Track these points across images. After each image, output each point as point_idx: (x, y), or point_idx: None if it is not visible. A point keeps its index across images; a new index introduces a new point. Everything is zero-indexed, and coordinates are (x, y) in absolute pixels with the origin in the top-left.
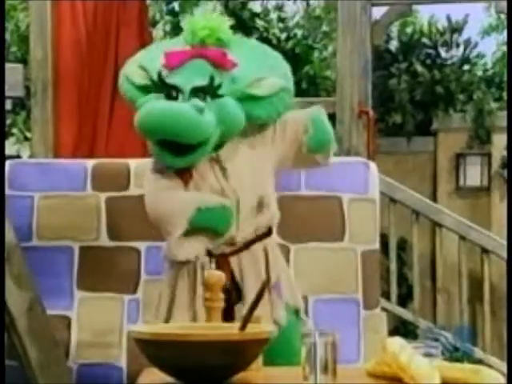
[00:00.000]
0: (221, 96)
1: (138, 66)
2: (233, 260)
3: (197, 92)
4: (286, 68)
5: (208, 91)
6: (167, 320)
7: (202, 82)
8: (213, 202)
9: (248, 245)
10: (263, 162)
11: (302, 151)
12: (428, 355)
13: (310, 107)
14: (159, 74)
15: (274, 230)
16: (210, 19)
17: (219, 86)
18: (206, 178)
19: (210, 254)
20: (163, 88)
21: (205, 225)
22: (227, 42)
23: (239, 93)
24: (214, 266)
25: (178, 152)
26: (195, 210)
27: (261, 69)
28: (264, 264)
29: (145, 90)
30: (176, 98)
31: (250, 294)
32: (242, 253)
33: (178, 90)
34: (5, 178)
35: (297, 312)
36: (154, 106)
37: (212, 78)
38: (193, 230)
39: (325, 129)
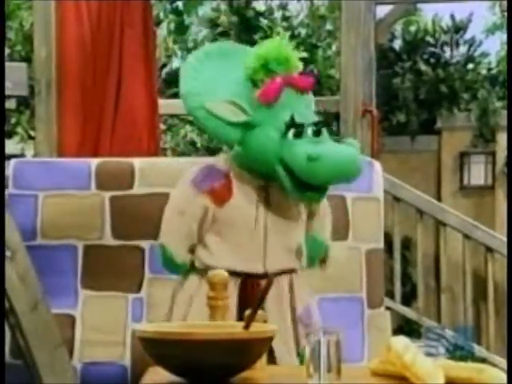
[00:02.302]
0: (329, 125)
1: (225, 102)
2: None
3: (316, 127)
4: None
5: (325, 125)
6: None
7: (315, 116)
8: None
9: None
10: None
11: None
12: (430, 354)
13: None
14: (292, 116)
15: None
16: (284, 47)
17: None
18: (244, 206)
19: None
20: (292, 126)
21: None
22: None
23: None
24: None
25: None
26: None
27: None
28: (288, 295)
29: (237, 126)
30: (300, 134)
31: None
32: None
33: (301, 127)
34: (5, 177)
35: None
36: (337, 153)
37: (320, 112)
38: None
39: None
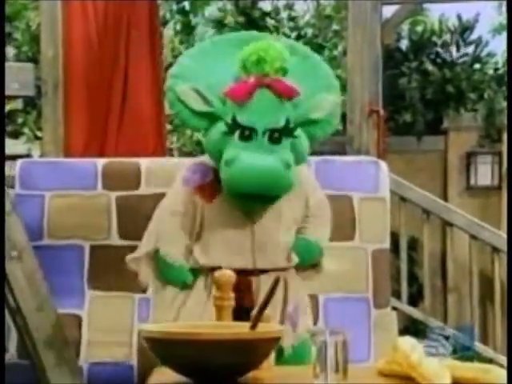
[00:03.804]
0: (296, 136)
1: (193, 89)
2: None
3: (271, 132)
4: (332, 76)
5: (284, 133)
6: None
7: (276, 123)
8: (172, 258)
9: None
10: (291, 214)
11: None
12: (430, 354)
13: None
14: (233, 117)
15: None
16: (269, 48)
17: (295, 128)
18: (232, 200)
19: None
20: (236, 128)
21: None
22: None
23: (302, 118)
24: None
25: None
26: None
27: (317, 87)
28: (282, 292)
29: (202, 116)
30: (249, 137)
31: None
32: (261, 277)
33: (251, 129)
34: (4, 177)
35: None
36: (250, 165)
37: (288, 121)
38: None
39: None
